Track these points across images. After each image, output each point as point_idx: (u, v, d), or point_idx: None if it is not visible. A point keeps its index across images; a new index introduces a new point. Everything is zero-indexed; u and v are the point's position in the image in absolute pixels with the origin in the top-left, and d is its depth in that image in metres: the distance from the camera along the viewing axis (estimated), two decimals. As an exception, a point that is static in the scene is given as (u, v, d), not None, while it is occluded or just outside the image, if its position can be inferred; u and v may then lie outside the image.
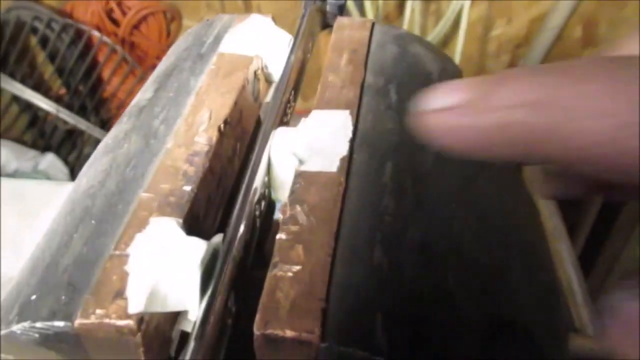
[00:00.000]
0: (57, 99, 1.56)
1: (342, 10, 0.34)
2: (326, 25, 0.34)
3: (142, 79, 1.55)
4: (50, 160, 1.58)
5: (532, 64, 1.51)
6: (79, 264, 0.19)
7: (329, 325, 0.17)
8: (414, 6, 1.22)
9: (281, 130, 0.25)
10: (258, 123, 0.30)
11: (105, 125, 1.60)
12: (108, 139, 0.26)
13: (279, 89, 0.27)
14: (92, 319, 0.18)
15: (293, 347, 0.17)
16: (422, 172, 0.24)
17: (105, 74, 1.59)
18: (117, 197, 0.22)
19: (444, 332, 0.19)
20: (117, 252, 0.19)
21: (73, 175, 1.63)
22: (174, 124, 0.25)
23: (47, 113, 1.51)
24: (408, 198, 0.22)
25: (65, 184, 0.40)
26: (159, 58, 1.68)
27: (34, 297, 0.19)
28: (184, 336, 0.21)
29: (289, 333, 0.17)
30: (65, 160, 1.62)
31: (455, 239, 0.22)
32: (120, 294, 0.18)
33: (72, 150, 1.65)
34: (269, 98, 0.31)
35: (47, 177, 1.56)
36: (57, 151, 1.59)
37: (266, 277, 0.19)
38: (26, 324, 0.18)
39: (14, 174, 1.49)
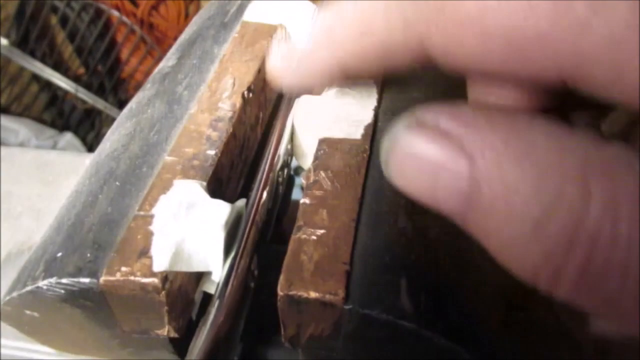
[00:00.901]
0: (76, 79, 1.57)
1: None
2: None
3: (159, 60, 1.56)
4: (68, 139, 1.60)
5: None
6: (104, 223, 0.20)
7: (353, 288, 0.17)
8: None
9: (305, 98, 0.24)
10: (281, 93, 0.30)
11: (123, 105, 1.61)
12: (132, 104, 0.26)
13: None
14: (117, 276, 0.18)
15: (316, 308, 0.17)
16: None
17: (124, 54, 1.59)
18: (141, 159, 0.22)
19: (468, 298, 0.19)
20: (142, 213, 0.19)
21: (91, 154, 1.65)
22: (198, 90, 0.25)
23: (66, 92, 1.53)
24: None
25: (87, 155, 0.41)
26: (177, 39, 1.68)
27: (59, 254, 0.19)
28: (206, 301, 0.21)
29: (312, 294, 0.17)
30: (83, 140, 1.64)
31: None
32: (144, 252, 0.18)
33: (90, 130, 1.67)
34: (291, 68, 0.30)
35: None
36: (76, 130, 1.61)
37: (290, 240, 0.19)
38: (52, 280, 0.18)
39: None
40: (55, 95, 1.58)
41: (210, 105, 0.24)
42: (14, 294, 0.19)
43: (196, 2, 1.68)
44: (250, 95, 0.25)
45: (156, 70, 0.28)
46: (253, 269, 0.20)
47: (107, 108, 1.53)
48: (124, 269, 0.18)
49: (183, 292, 0.19)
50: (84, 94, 1.51)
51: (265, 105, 0.27)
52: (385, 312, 0.17)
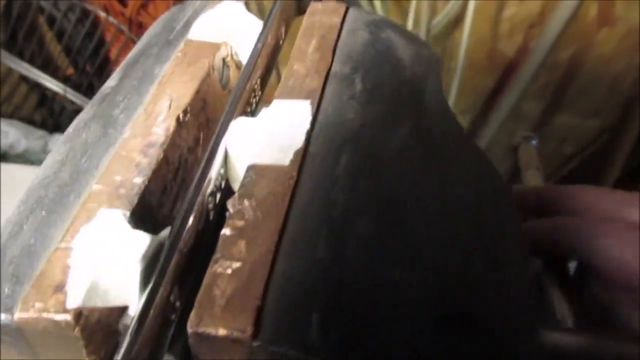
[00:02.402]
0: (65, 79, 1.56)
1: (319, -6, 0.34)
2: (303, 11, 0.33)
3: (148, 59, 1.55)
4: (58, 140, 1.60)
5: (545, 45, 1.48)
6: (26, 255, 0.19)
7: (264, 323, 0.17)
8: (421, -15, 1.19)
9: (240, 120, 0.24)
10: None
11: (114, 105, 1.61)
12: (70, 128, 0.26)
13: (243, 77, 0.26)
14: (31, 312, 0.18)
15: (226, 345, 0.17)
16: (379, 164, 0.23)
17: (113, 53, 1.59)
18: (69, 187, 0.22)
19: (384, 330, 0.19)
20: (63, 245, 0.19)
21: (83, 154, 1.65)
22: (134, 113, 0.25)
23: (55, 93, 1.52)
24: (361, 192, 0.22)
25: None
26: (166, 37, 1.67)
27: (-22, 288, 0.19)
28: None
29: (221, 331, 0.17)
30: (74, 140, 1.64)
31: (410, 234, 0.22)
32: (60, 287, 0.18)
33: (81, 130, 1.67)
34: (239, 86, 0.30)
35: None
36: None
37: (206, 273, 0.19)
38: (-32, 316, 0.18)
39: (24, 154, 1.51)
40: (44, 95, 1.58)
41: (144, 129, 0.24)
42: None
43: (183, 1, 1.67)
44: (187, 117, 0.25)
45: (99, 91, 0.28)
46: (173, 300, 0.20)
47: (97, 108, 1.53)
48: (37, 304, 0.18)
49: (103, 326, 0.19)
50: (72, 95, 1.50)
51: (207, 125, 0.27)
52: (293, 348, 0.17)
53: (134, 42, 1.54)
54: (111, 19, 1.42)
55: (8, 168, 0.41)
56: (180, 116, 0.24)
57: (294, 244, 0.19)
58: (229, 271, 0.18)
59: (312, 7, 0.31)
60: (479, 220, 0.26)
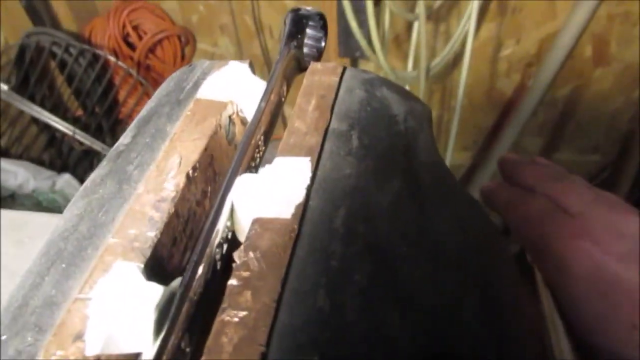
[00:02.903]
0: (75, 121, 1.61)
1: (320, 54, 0.36)
2: (304, 69, 0.35)
3: (156, 101, 1.60)
4: (66, 180, 1.63)
5: (543, 83, 1.51)
6: (47, 306, 0.21)
7: (268, 368, 0.19)
8: (420, 29, 1.24)
9: (245, 177, 0.26)
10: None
11: (121, 145, 1.65)
12: (87, 183, 0.28)
13: (247, 133, 0.28)
14: (53, 360, 0.19)
15: (233, 389, 0.19)
16: (375, 216, 0.25)
17: (121, 95, 1.64)
18: (87, 241, 0.24)
19: (381, 374, 0.20)
20: (82, 296, 0.21)
21: (90, 193, 1.68)
22: (147, 170, 0.27)
23: (64, 134, 1.56)
24: (357, 242, 0.23)
25: (62, 216, 0.42)
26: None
27: (4, 337, 0.21)
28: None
29: (228, 376, 0.18)
30: (81, 180, 1.67)
31: (402, 281, 0.24)
32: (80, 336, 0.20)
33: (88, 171, 1.70)
34: (244, 140, 0.32)
35: (64, 196, 1.61)
36: (74, 171, 1.64)
37: (215, 321, 0.20)
38: (-6, 364, 0.20)
39: (33, 193, 1.53)
40: (54, 136, 1.62)
41: (156, 185, 0.26)
42: (-37, 375, 0.21)
43: (192, 44, 1.73)
44: (196, 173, 0.27)
45: (113, 147, 0.30)
46: (184, 347, 0.21)
47: (105, 149, 1.56)
48: (59, 352, 0.19)
49: (118, 371, 0.21)
50: (81, 136, 1.54)
51: (213, 179, 0.29)
52: (294, 393, 0.18)
53: (141, 85, 1.58)
54: (120, 63, 1.47)
55: (7, 214, 0.43)
56: (190, 172, 0.26)
57: (295, 294, 0.21)
58: (236, 319, 0.20)
59: (312, 67, 0.33)
60: (470, 265, 0.28)
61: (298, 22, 0.35)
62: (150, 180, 0.26)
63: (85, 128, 1.57)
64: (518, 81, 1.65)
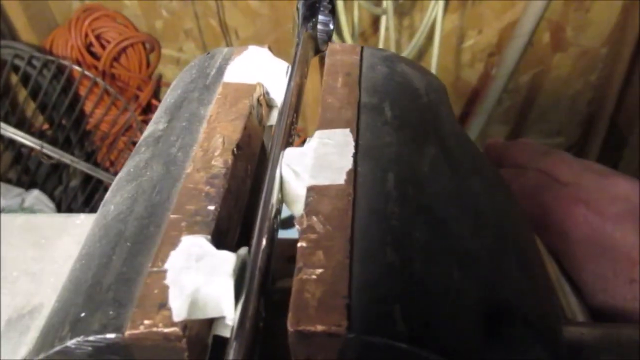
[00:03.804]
0: (41, 135, 1.57)
1: (330, 36, 0.37)
2: (317, 51, 0.36)
3: (125, 110, 1.57)
4: (35, 196, 1.59)
5: (505, 71, 1.56)
6: (121, 282, 0.21)
7: (354, 318, 0.20)
8: (388, 23, 1.27)
9: (289, 150, 0.27)
10: (262, 146, 0.32)
11: (90, 157, 1.61)
12: (129, 168, 0.28)
13: (283, 113, 0.29)
14: (141, 329, 0.20)
15: (323, 339, 0.19)
16: (419, 179, 0.26)
17: (88, 107, 1.60)
18: (147, 220, 0.24)
19: (453, 319, 0.21)
20: (155, 269, 0.21)
21: (60, 209, 1.63)
22: (191, 151, 0.27)
23: (31, 149, 1.52)
24: (410, 203, 0.25)
25: (77, 216, 0.42)
26: (140, 88, 1.69)
27: (83, 314, 0.21)
28: (216, 344, 0.23)
29: (319, 327, 0.19)
30: (50, 195, 1.63)
31: (453, 236, 0.25)
32: (163, 305, 0.20)
33: (57, 185, 1.66)
34: (271, 121, 0.33)
35: (34, 212, 1.56)
36: (43, 186, 1.60)
37: (293, 281, 0.21)
38: (80, 339, 0.20)
39: (1, 212, 1.48)
40: (20, 152, 1.57)
41: (204, 163, 0.26)
42: (41, 356, 0.21)
43: (157, 51, 1.71)
44: (239, 151, 0.27)
45: (146, 133, 0.31)
46: (261, 310, 0.22)
47: (74, 162, 1.53)
48: (146, 321, 0.20)
49: (200, 338, 0.21)
50: (49, 150, 1.50)
51: (252, 159, 0.29)
52: (384, 337, 0.19)
53: (109, 94, 1.56)
54: (87, 72, 1.44)
55: (19, 218, 0.42)
56: (234, 150, 0.27)
57: (365, 251, 0.22)
58: (314, 277, 0.21)
59: (331, 48, 0.34)
60: (503, 226, 0.29)
61: (311, 6, 0.36)
62: (197, 160, 0.26)
63: (52, 141, 1.53)
64: (482, 71, 1.70)
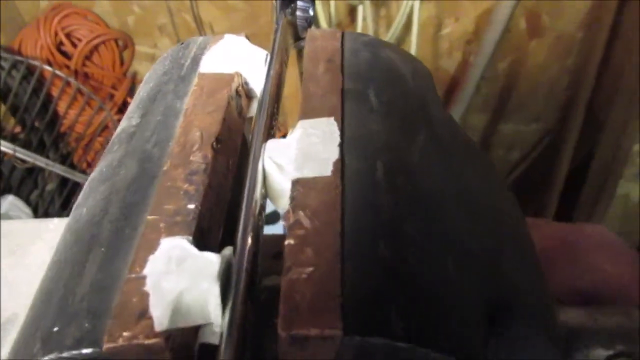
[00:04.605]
0: (13, 138, 1.52)
1: (310, 23, 0.36)
2: (297, 37, 0.35)
3: (100, 109, 1.53)
4: (10, 202, 1.54)
5: (483, 58, 1.56)
6: (96, 290, 0.20)
7: (348, 319, 0.18)
8: (365, 13, 1.25)
9: (272, 142, 0.26)
10: (243, 138, 0.31)
11: (66, 160, 1.57)
12: (102, 168, 0.26)
13: (263, 103, 0.28)
14: (120, 342, 0.18)
15: (317, 343, 0.18)
16: (410, 168, 0.25)
17: (61, 107, 1.56)
18: (122, 222, 0.22)
19: (451, 315, 0.20)
20: (133, 275, 0.20)
21: (36, 214, 1.59)
22: (167, 146, 0.25)
23: (3, 153, 1.47)
24: (401, 194, 0.23)
25: (50, 220, 0.40)
26: (114, 87, 1.66)
27: (55, 328, 0.19)
28: (203, 350, 0.22)
29: (313, 331, 0.18)
30: (26, 200, 1.58)
31: (448, 228, 0.24)
32: (143, 314, 0.19)
33: (33, 189, 1.61)
34: (251, 113, 0.31)
35: (9, 219, 1.52)
36: (18, 191, 1.55)
37: (282, 282, 0.20)
38: (52, 356, 0.18)
39: (-25, 219, 1.44)
40: (-8, 157, 1.52)
41: (182, 159, 0.25)
42: (12, 374, 0.19)
43: (130, 48, 1.67)
44: (219, 145, 0.26)
45: (119, 130, 0.29)
46: (249, 314, 0.20)
47: (50, 165, 1.48)
48: (125, 333, 0.18)
49: (185, 347, 0.20)
50: (23, 153, 1.46)
51: (233, 153, 0.28)
52: (381, 336, 0.18)
53: (82, 94, 1.52)
54: (58, 72, 1.40)
55: None
56: (214, 144, 0.25)
57: (356, 246, 0.21)
58: (304, 276, 0.19)
59: (311, 33, 0.33)
60: (496, 213, 0.28)
61: (289, -9, 0.34)
62: (175, 156, 0.25)
63: (26, 145, 1.48)
64: (460, 59, 1.70)
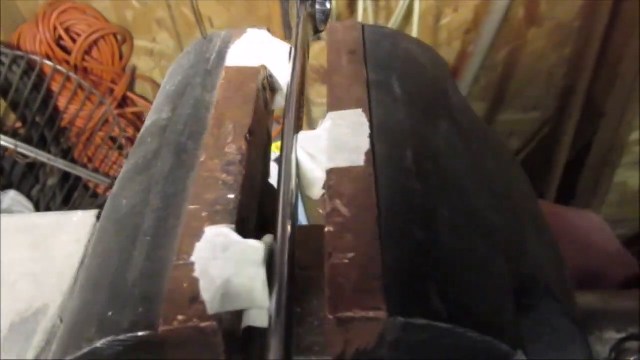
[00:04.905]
0: (14, 134, 1.52)
1: (328, 16, 0.36)
2: (317, 30, 0.36)
3: (101, 104, 1.53)
4: (12, 197, 1.55)
5: (482, 48, 1.56)
6: (146, 276, 0.21)
7: (391, 300, 0.19)
8: (365, 5, 1.25)
9: (303, 134, 0.26)
10: (268, 131, 0.31)
11: (67, 155, 1.57)
12: (137, 160, 0.27)
13: (292, 96, 0.28)
14: (175, 325, 0.19)
15: (362, 324, 0.19)
16: (436, 154, 0.26)
17: (62, 103, 1.56)
18: (164, 212, 0.23)
19: (486, 294, 0.21)
20: (181, 262, 0.21)
21: (38, 209, 1.59)
22: (201, 139, 0.26)
23: (4, 149, 1.47)
24: (431, 179, 0.24)
25: (74, 213, 0.41)
26: (114, 82, 1.65)
27: (109, 313, 0.20)
28: (245, 334, 0.23)
29: (358, 313, 0.19)
30: (28, 195, 1.58)
31: (475, 209, 0.25)
32: (195, 299, 0.19)
33: (34, 184, 1.61)
34: (275, 105, 0.32)
35: (12, 214, 1.52)
36: (19, 187, 1.55)
37: (324, 267, 0.20)
38: (110, 339, 0.19)
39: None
40: (-7, 154, 1.52)
41: (217, 151, 0.25)
42: (68, 358, 0.20)
43: (129, 42, 1.66)
44: (252, 137, 0.26)
45: (148, 123, 0.30)
46: (294, 297, 0.21)
47: (51, 160, 1.49)
48: (180, 317, 0.19)
49: (232, 331, 0.21)
50: (24, 149, 1.46)
51: (262, 145, 0.29)
52: (423, 317, 0.19)
53: (83, 89, 1.52)
54: (59, 67, 1.40)
55: (13, 219, 0.41)
56: (247, 136, 0.26)
57: (393, 231, 0.21)
58: (346, 261, 0.20)
59: (331, 26, 0.33)
60: (514, 194, 0.29)
61: (309, -15, 0.35)
62: (210, 148, 0.26)
63: (27, 140, 1.48)
64: (459, 49, 1.70)
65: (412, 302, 0.19)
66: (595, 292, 0.40)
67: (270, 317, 0.20)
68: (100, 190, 1.59)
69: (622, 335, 0.31)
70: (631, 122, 1.59)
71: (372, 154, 0.25)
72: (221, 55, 0.32)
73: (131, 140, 1.59)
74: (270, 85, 0.32)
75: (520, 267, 0.25)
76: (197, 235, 0.22)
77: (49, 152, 1.52)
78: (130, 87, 1.71)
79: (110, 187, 1.53)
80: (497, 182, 0.28)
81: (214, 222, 0.22)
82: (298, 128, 0.28)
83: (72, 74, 1.46)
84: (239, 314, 0.21)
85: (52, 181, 1.61)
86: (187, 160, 0.25)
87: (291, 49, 0.32)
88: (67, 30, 1.56)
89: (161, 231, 0.22)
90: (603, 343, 0.32)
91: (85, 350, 0.20)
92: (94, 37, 1.57)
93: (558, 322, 0.26)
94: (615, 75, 1.54)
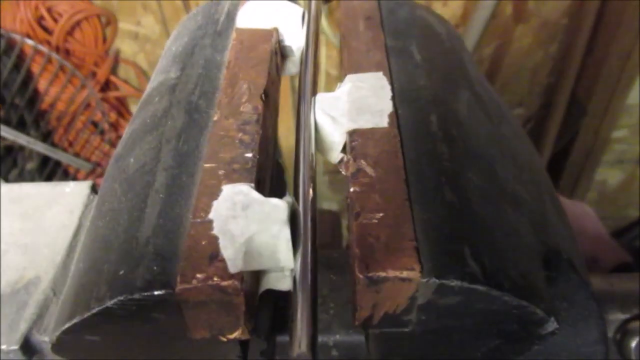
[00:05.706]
0: (-8, 115, 1.47)
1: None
2: (327, -2, 0.34)
3: (83, 87, 1.49)
4: (-12, 181, 1.50)
5: (470, 43, 1.57)
6: (161, 234, 0.19)
7: (424, 261, 0.18)
8: None
9: (321, 95, 0.25)
10: (277, 99, 0.30)
11: (47, 138, 1.53)
12: (145, 119, 0.25)
13: (307, 58, 0.27)
14: (194, 283, 0.18)
15: (394, 285, 0.18)
16: (461, 121, 0.25)
17: (42, 84, 1.51)
18: (177, 170, 0.22)
19: (517, 258, 0.20)
20: (198, 220, 0.19)
21: (15, 194, 1.55)
22: (213, 98, 0.25)
23: (-18, 131, 1.42)
24: (458, 144, 0.23)
25: (66, 184, 0.39)
26: (97, 64, 1.61)
27: (122, 271, 0.19)
28: (261, 299, 0.21)
29: (390, 272, 0.18)
30: (5, 179, 1.54)
31: (501, 178, 0.24)
32: (215, 256, 0.18)
33: (12, 168, 1.57)
34: (285, 72, 0.31)
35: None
36: (-3, 170, 1.51)
37: (352, 226, 0.19)
38: (122, 298, 0.18)
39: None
40: (-31, 135, 1.47)
41: (232, 110, 0.24)
42: (76, 320, 0.19)
43: (113, 25, 1.62)
44: (266, 98, 0.25)
45: (155, 84, 0.28)
46: (318, 260, 0.20)
47: (30, 143, 1.44)
48: (199, 275, 0.18)
49: (252, 292, 0.20)
50: (2, 131, 1.42)
51: (275, 107, 0.27)
52: (459, 279, 0.18)
53: (65, 71, 1.48)
54: (41, 47, 1.36)
55: (4, 188, 0.39)
56: (262, 96, 0.25)
57: (423, 192, 0.20)
58: (375, 221, 0.19)
59: (345, -8, 0.32)
60: (535, 172, 0.29)
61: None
62: (224, 107, 0.24)
63: (5, 122, 1.44)
64: (447, 42, 1.69)
65: (446, 263, 0.18)
66: (597, 275, 0.40)
67: (294, 280, 0.18)
68: (81, 176, 1.55)
69: (627, 315, 0.31)
70: (612, 120, 1.61)
71: (396, 117, 0.24)
72: (230, 16, 0.30)
73: (114, 126, 1.55)
74: (281, 50, 0.31)
75: (545, 232, 0.24)
76: (214, 193, 0.20)
77: (28, 135, 1.47)
78: (113, 70, 1.68)
79: (92, 172, 1.50)
80: (515, 153, 0.27)
81: (231, 180, 0.21)
82: (315, 91, 0.27)
83: (54, 54, 1.42)
84: (256, 276, 0.20)
85: (30, 165, 1.57)
86: (199, 119, 0.24)
87: (304, 12, 0.30)
88: (49, 10, 1.52)
89: (174, 189, 0.21)
90: (608, 324, 0.31)
91: (95, 310, 0.18)
92: (76, 17, 1.53)
93: (576, 296, 0.25)
94: (599, 74, 1.56)
